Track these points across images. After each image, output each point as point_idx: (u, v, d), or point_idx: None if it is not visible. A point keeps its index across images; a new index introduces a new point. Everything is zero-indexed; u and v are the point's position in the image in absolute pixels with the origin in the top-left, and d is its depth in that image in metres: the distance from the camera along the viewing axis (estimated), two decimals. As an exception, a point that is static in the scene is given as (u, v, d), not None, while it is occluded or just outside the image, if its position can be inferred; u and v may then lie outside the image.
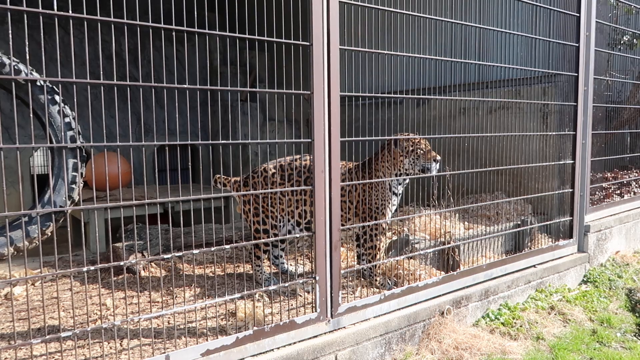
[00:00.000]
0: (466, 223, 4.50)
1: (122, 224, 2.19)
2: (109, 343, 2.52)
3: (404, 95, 3.08)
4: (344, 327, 2.91)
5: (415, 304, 3.25)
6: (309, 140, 2.84)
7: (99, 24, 2.11)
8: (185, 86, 2.36)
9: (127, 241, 3.66)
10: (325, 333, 2.83)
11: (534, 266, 4.03)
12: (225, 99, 6.31)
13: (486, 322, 3.51)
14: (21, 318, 2.83)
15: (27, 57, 2.05)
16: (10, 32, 1.97)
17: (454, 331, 3.25)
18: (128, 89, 2.22)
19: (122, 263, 2.28)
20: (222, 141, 2.68)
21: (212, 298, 2.49)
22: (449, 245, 3.62)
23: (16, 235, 2.06)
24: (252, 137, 6.35)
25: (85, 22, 2.09)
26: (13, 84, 2.03)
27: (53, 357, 2.32)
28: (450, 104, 5.46)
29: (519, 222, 4.26)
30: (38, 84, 2.08)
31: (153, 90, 2.29)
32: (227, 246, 2.60)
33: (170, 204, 4.33)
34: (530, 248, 4.16)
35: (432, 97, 3.40)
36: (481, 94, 5.00)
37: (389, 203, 3.43)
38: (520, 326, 3.48)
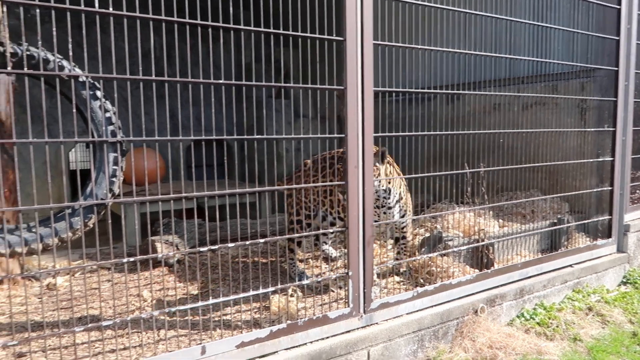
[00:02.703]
0: (500, 221, 4.41)
1: (160, 217, 2.24)
2: (146, 333, 2.59)
3: (439, 91, 3.04)
4: (377, 323, 2.90)
5: (449, 301, 3.21)
6: (342, 135, 2.84)
7: (137, 22, 2.16)
8: (217, 81, 2.39)
9: (163, 235, 3.74)
10: (357, 328, 2.82)
11: (570, 266, 3.93)
12: (257, 96, 6.36)
13: (521, 322, 3.44)
14: (63, 307, 2.93)
15: (70, 54, 2.12)
16: (54, 30, 2.04)
17: (488, 330, 3.20)
18: (166, 85, 2.26)
19: (159, 255, 2.33)
20: (254, 136, 2.70)
21: (246, 291, 2.51)
22: (483, 243, 3.56)
23: (60, 227, 2.13)
24: (282, 133, 6.38)
25: (125, 20, 2.14)
26: (57, 79, 2.10)
27: (94, 345, 2.40)
28: (483, 100, 5.36)
29: (555, 221, 4.15)
30: (80, 79, 2.14)
31: (189, 87, 2.33)
32: (262, 240, 2.62)
33: (201, 199, 4.39)
34: (567, 247, 4.06)
35: (466, 92, 3.34)
36: (516, 89, 4.89)
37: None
38: (557, 326, 3.40)
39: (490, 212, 4.47)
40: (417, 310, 3.08)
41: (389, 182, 3.32)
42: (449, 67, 3.36)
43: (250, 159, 6.55)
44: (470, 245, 3.58)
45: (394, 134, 3.05)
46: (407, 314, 3.03)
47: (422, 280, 3.39)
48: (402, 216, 3.48)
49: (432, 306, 3.13)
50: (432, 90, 3.18)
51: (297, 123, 6.47)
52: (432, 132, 3.35)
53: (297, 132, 6.32)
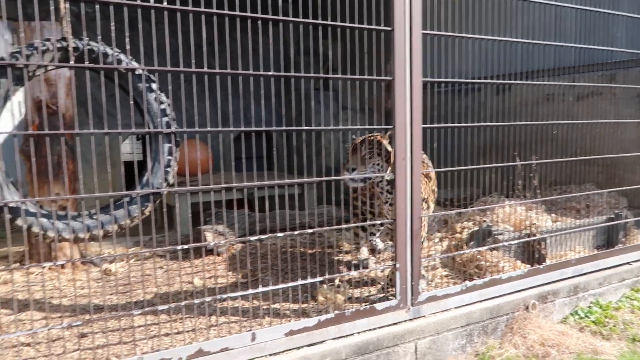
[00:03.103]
0: (553, 215, 4.26)
1: (212, 206, 2.29)
2: (198, 318, 2.66)
3: (490, 81, 2.96)
4: (424, 316, 2.87)
5: (498, 296, 3.14)
6: (389, 127, 2.81)
7: (179, 16, 2.20)
8: (263, 73, 2.42)
9: (212, 224, 3.83)
10: (405, 321, 2.80)
11: (628, 263, 3.75)
12: (300, 88, 6.40)
13: (575, 320, 3.32)
14: (120, 292, 3.05)
15: (127, 48, 2.19)
16: (112, 24, 2.11)
17: (540, 327, 3.10)
18: (206, 78, 2.30)
19: (210, 244, 2.39)
20: (299, 127, 2.72)
21: (294, 281, 2.54)
22: (535, 238, 3.45)
23: (119, 214, 2.22)
24: (326, 126, 6.38)
25: (166, 13, 2.19)
26: (116, 73, 2.18)
27: (150, 329, 2.49)
28: (534, 90, 5.17)
29: (612, 216, 3.97)
30: (137, 72, 2.21)
31: (230, 79, 2.36)
32: (309, 230, 2.64)
33: (249, 190, 4.47)
34: (625, 244, 3.87)
35: (519, 82, 3.24)
36: (570, 79, 4.70)
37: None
38: (614, 326, 3.26)
39: (542, 206, 4.33)
40: (466, 305, 3.02)
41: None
42: (499, 57, 3.26)
43: (294, 151, 6.60)
44: (521, 240, 3.48)
45: (442, 125, 2.99)
46: (455, 307, 2.98)
47: (470, 274, 3.33)
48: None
49: (481, 301, 3.07)
50: (483, 81, 3.10)
51: (342, 115, 6.46)
52: (481, 124, 3.27)
53: (341, 124, 6.31)
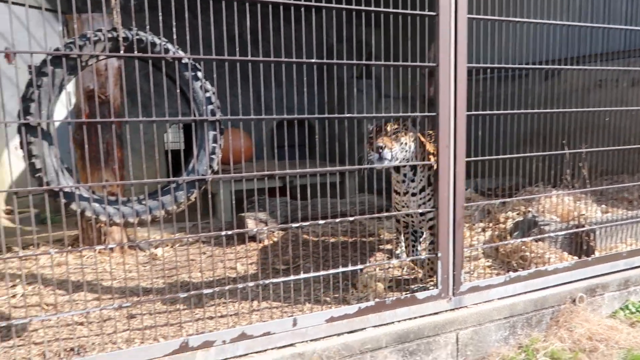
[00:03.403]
0: (603, 206, 4.10)
1: (255, 194, 2.32)
2: (240, 303, 2.72)
3: (539, 66, 2.85)
4: (466, 307, 2.83)
5: (543, 288, 3.05)
6: (433, 114, 2.76)
7: (224, 6, 2.22)
8: (303, 60, 2.41)
9: (253, 212, 3.89)
10: (446, 311, 2.78)
11: (684, 257, 3.56)
12: (341, 76, 6.37)
13: (625, 315, 3.20)
14: (165, 276, 3.15)
15: (174, 37, 2.23)
16: (160, 15, 2.16)
17: (587, 321, 3.01)
18: (249, 67, 2.32)
19: (254, 230, 2.42)
20: (337, 115, 2.71)
21: (335, 268, 2.55)
22: (583, 229, 3.33)
23: (166, 200, 2.29)
24: (366, 114, 6.34)
25: (211, 3, 2.20)
26: (163, 62, 2.23)
27: (194, 311, 2.56)
28: (584, 76, 4.95)
29: (667, 207, 3.78)
30: (184, 61, 2.25)
31: (272, 68, 2.37)
32: (350, 218, 2.64)
33: (289, 178, 4.50)
34: (681, 237, 3.68)
35: (567, 67, 3.11)
36: (624, 64, 4.47)
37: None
38: (667, 322, 3.12)
39: (592, 197, 4.16)
40: (509, 296, 2.96)
41: (417, 158, 2.91)
42: (547, 41, 3.13)
43: (333, 139, 6.59)
44: (569, 231, 3.37)
45: (487, 112, 2.92)
46: (498, 299, 2.93)
47: (514, 266, 3.25)
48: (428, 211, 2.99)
49: (525, 292, 3.00)
50: (531, 66, 2.99)
51: (381, 103, 6.39)
52: (528, 111, 3.16)
53: (381, 112, 6.25)
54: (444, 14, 2.63)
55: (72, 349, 2.10)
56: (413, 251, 3.26)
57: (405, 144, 2.84)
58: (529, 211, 3.83)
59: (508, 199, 3.20)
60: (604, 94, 4.75)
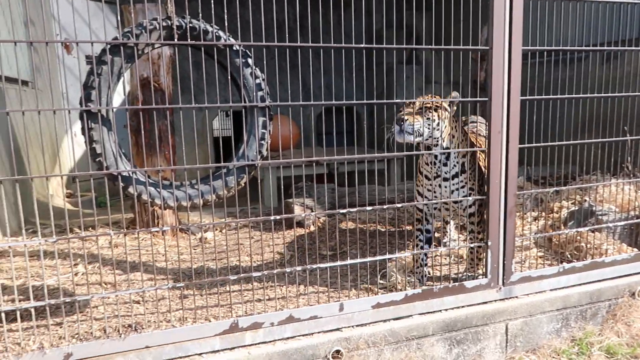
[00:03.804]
0: (667, 196, 3.87)
1: (304, 180, 2.34)
2: (287, 287, 2.77)
3: (601, 48, 2.71)
4: (516, 297, 2.76)
5: (600, 280, 2.94)
6: (484, 99, 2.68)
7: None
8: (347, 45, 2.38)
9: (299, 198, 3.93)
10: (495, 300, 2.72)
11: None
12: (387, 63, 6.28)
13: (689, 310, 3.02)
14: (217, 259, 3.25)
15: (225, 26, 2.26)
16: (212, 4, 2.19)
17: (647, 316, 2.87)
18: (296, 54, 2.32)
19: (301, 215, 2.45)
20: (383, 101, 2.67)
21: (381, 254, 2.55)
22: (645, 220, 3.16)
23: (217, 185, 2.34)
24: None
25: None
26: (215, 49, 2.27)
27: (243, 294, 2.63)
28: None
29: None
30: (235, 48, 2.28)
31: (321, 54, 2.36)
32: (398, 205, 2.62)
33: (335, 164, 4.51)
34: None
35: (630, 49, 2.92)
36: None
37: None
38: None
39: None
40: (563, 287, 2.86)
41: (450, 141, 2.70)
42: (608, 21, 2.96)
43: (380, 126, 6.54)
44: (628, 222, 3.21)
45: (543, 97, 2.80)
46: (550, 290, 2.84)
47: (568, 256, 3.14)
48: (465, 196, 2.79)
49: (580, 284, 2.89)
50: (591, 48, 2.84)
51: (428, 89, 6.27)
52: (586, 95, 3.02)
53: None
54: (499, -6, 2.54)
55: (129, 326, 2.21)
56: (425, 246, 2.93)
57: (433, 120, 2.61)
58: (585, 200, 3.68)
59: (563, 188, 3.08)
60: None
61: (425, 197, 2.86)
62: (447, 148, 2.72)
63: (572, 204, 3.83)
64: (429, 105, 2.65)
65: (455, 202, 2.83)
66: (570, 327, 2.84)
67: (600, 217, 3.28)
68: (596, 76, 3.72)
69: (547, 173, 4.41)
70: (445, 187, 2.79)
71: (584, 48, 2.85)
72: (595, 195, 3.68)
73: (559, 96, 2.85)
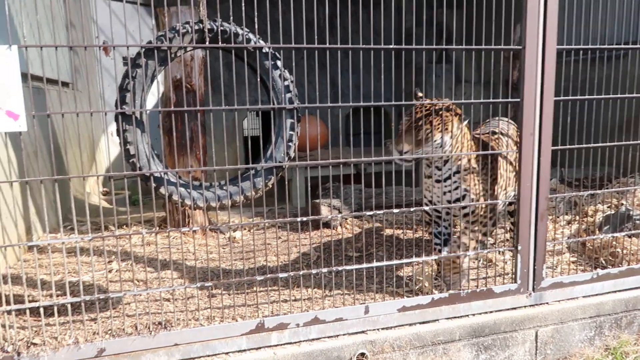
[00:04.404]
0: None
1: (330, 180, 2.35)
2: (313, 288, 2.78)
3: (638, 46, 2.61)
4: (547, 303, 2.70)
5: (636, 288, 2.84)
6: (516, 100, 2.63)
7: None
8: (376, 46, 2.37)
9: (327, 198, 3.95)
10: (525, 306, 2.67)
11: None
12: (417, 62, 6.23)
13: None
14: (244, 258, 3.30)
15: (256, 27, 2.29)
16: (243, 6, 2.22)
17: (687, 326, 2.76)
18: (326, 54, 2.32)
19: (329, 216, 2.46)
20: (412, 102, 2.65)
21: (407, 257, 2.53)
22: (686, 226, 3.04)
23: (245, 186, 2.38)
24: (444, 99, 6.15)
25: None
26: (245, 51, 2.30)
27: (270, 294, 2.66)
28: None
29: None
30: (264, 50, 2.31)
31: (350, 54, 2.36)
32: (426, 207, 2.60)
33: (363, 165, 4.50)
34: None
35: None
36: None
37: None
38: None
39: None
40: (596, 294, 2.79)
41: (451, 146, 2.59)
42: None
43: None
44: (668, 227, 3.09)
45: (578, 97, 2.73)
46: (583, 297, 2.77)
47: (603, 262, 3.04)
48: (457, 199, 2.70)
49: (615, 291, 2.81)
50: (630, 46, 2.74)
51: (459, 89, 6.18)
52: (623, 95, 2.91)
53: (459, 98, 6.05)
54: (532, -8, 2.48)
55: (159, 323, 2.27)
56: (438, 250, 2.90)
57: (436, 141, 2.54)
58: (622, 204, 3.55)
59: (598, 191, 2.99)
60: None
61: (426, 197, 2.82)
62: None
63: (607, 207, 3.71)
64: (431, 124, 2.53)
65: (449, 203, 2.75)
66: (604, 335, 2.75)
67: (637, 221, 3.16)
68: (635, 75, 3.59)
69: (582, 175, 4.28)
70: (438, 188, 2.73)
71: (622, 46, 2.75)
72: (633, 199, 3.55)
73: (594, 96, 2.76)
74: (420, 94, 2.72)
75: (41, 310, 2.07)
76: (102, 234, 2.13)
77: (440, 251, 2.84)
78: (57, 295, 2.65)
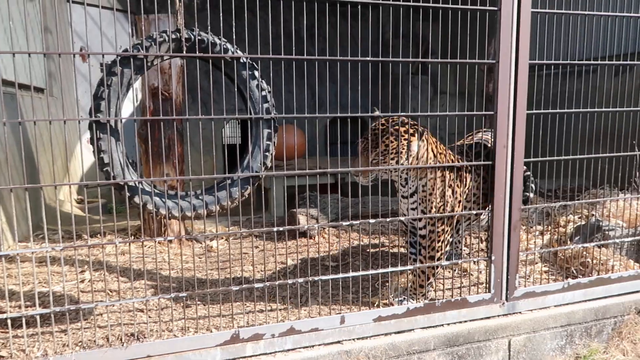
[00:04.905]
0: (677, 212, 3.82)
1: (307, 190, 2.36)
2: (290, 298, 2.78)
3: (609, 62, 2.70)
4: (520, 313, 2.75)
5: (606, 297, 2.91)
6: (490, 113, 2.69)
7: (281, 4, 2.25)
8: (356, 58, 2.40)
9: (304, 208, 3.95)
10: (498, 316, 2.70)
11: None
12: (396, 72, 6.30)
13: (697, 330, 2.98)
14: (220, 268, 3.27)
15: (234, 36, 2.30)
16: (221, 15, 2.23)
17: (654, 334, 2.83)
18: (305, 64, 2.35)
19: (305, 226, 2.47)
20: (392, 114, 2.68)
21: (384, 267, 2.55)
22: (653, 236, 3.13)
23: (221, 195, 2.37)
24: (421, 111, 6.24)
25: (270, 3, 2.25)
26: (222, 61, 2.30)
27: (245, 304, 2.65)
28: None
29: None
30: (242, 61, 2.31)
31: (327, 65, 2.39)
32: (402, 218, 2.62)
33: (341, 175, 4.52)
34: None
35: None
36: None
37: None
38: None
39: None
40: (567, 304, 2.84)
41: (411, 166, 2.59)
42: (617, 35, 2.95)
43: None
44: (636, 238, 3.18)
45: (549, 110, 2.80)
46: (555, 306, 2.82)
47: (574, 272, 3.11)
48: (418, 219, 2.71)
49: (585, 300, 2.87)
50: (599, 62, 2.83)
51: (437, 100, 6.28)
52: (594, 109, 3.00)
53: (437, 110, 6.13)
54: (506, 9, 2.55)
55: (132, 334, 2.23)
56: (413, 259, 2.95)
57: (395, 162, 2.56)
58: (593, 215, 3.65)
59: (569, 202, 3.06)
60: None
61: (401, 208, 2.84)
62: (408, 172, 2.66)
63: (579, 218, 3.80)
64: (387, 144, 2.54)
65: (413, 220, 2.78)
66: (574, 344, 2.81)
67: (607, 232, 3.25)
68: (604, 89, 3.71)
69: (555, 187, 4.38)
70: (404, 203, 2.77)
71: (591, 62, 2.84)
72: (602, 210, 3.65)
73: (565, 110, 2.84)
74: (376, 112, 2.70)
75: (8, 321, 2.02)
76: (74, 243, 2.10)
77: (415, 260, 2.87)
78: (26, 306, 2.59)
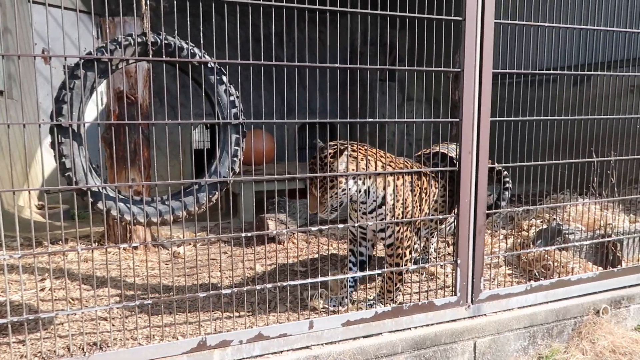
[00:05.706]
0: (632, 216, 3.99)
1: (276, 195, 2.35)
2: (258, 304, 2.76)
3: (568, 72, 2.80)
4: (485, 315, 2.81)
5: (566, 298, 3.01)
6: (456, 119, 2.75)
7: (250, 9, 2.25)
8: (326, 65, 2.42)
9: (273, 213, 3.93)
10: (464, 318, 2.76)
11: None
12: (365, 79, 6.37)
13: (651, 328, 3.11)
14: (187, 274, 3.22)
15: (202, 40, 2.28)
16: (188, 20, 2.21)
17: (611, 333, 2.94)
18: (274, 69, 2.35)
19: (274, 232, 2.46)
20: (361, 119, 2.71)
21: (352, 272, 2.56)
22: (610, 239, 3.26)
23: (188, 201, 2.34)
24: (390, 117, 6.33)
25: (238, 7, 2.24)
26: (190, 65, 2.28)
27: (213, 311, 2.61)
28: (616, 81, 4.82)
29: (700, 219, 3.66)
30: (209, 65, 2.30)
31: (296, 70, 2.40)
32: (370, 223, 2.64)
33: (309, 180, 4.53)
34: None
35: (597, 73, 3.04)
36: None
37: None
38: (696, 338, 3.02)
39: (620, 206, 4.06)
40: (530, 305, 2.92)
41: (369, 180, 2.65)
42: (577, 46, 3.07)
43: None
44: (594, 241, 3.30)
45: (512, 118, 2.88)
46: (518, 308, 2.89)
47: (536, 274, 3.20)
48: (384, 229, 2.73)
49: (547, 302, 2.96)
50: (559, 72, 2.93)
51: (407, 106, 6.38)
52: (554, 117, 3.11)
53: (405, 116, 6.22)
54: (470, 20, 2.62)
55: (95, 344, 2.17)
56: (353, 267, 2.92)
57: (342, 190, 2.60)
58: (554, 219, 3.77)
59: (532, 207, 3.15)
60: (637, 100, 4.62)
61: (352, 219, 2.85)
62: (369, 188, 2.68)
63: (541, 222, 3.92)
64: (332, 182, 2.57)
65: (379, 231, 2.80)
66: (537, 344, 2.89)
67: (567, 235, 3.36)
68: (563, 98, 3.85)
69: (518, 192, 4.51)
70: (364, 219, 2.76)
71: (551, 72, 2.94)
72: (563, 214, 3.77)
73: (527, 118, 2.92)
74: (318, 142, 2.74)
75: (-38, 333, 1.94)
76: (33, 250, 2.03)
77: (351, 269, 2.86)
78: (-18, 317, 2.48)
